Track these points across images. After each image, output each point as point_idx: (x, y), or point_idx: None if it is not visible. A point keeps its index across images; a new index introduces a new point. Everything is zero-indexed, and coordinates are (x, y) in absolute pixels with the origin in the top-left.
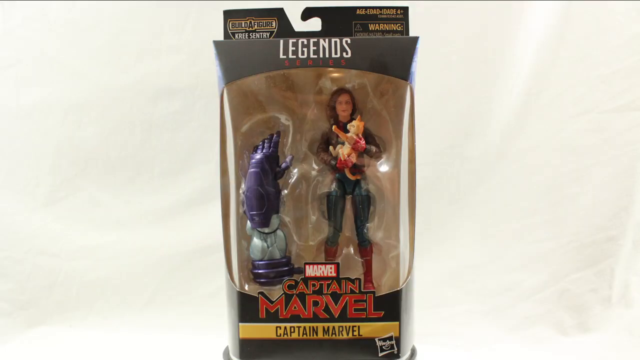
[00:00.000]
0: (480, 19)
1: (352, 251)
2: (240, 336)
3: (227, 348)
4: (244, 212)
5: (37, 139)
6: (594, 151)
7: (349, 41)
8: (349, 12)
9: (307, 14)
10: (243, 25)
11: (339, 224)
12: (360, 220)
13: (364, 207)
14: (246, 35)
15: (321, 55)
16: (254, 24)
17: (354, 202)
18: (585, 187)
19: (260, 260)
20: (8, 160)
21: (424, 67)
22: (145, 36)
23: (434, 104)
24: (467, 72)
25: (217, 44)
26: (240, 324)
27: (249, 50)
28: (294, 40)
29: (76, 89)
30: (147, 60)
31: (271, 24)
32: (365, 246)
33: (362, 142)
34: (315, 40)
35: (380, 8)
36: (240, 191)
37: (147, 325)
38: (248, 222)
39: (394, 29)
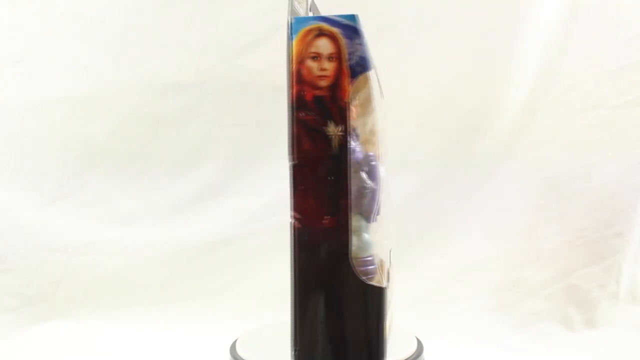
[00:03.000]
0: (488, 14)
1: None
2: None
3: (234, 343)
4: (363, 207)
5: (45, 134)
6: (601, 147)
7: None
8: None
9: None
10: None
11: None
12: None
13: None
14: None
15: None
16: None
17: None
18: (593, 183)
19: (368, 257)
20: (16, 155)
21: (432, 62)
22: (153, 31)
23: (442, 99)
24: (475, 67)
25: None
26: None
27: None
28: None
29: (84, 84)
30: (154, 55)
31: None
32: None
33: None
34: None
35: None
36: (365, 185)
37: (154, 321)
38: (360, 218)
39: None
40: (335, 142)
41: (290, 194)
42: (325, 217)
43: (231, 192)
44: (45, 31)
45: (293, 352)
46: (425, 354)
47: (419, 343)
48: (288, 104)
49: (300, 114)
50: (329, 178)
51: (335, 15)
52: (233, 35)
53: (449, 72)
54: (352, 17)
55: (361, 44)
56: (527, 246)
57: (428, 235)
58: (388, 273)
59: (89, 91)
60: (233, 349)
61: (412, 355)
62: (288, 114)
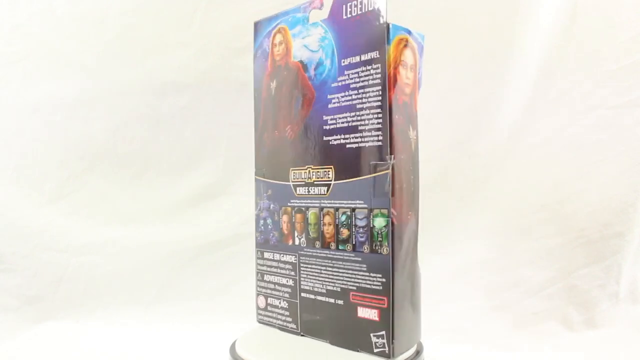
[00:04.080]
0: (489, 15)
1: None
2: None
3: (234, 343)
4: None
5: (45, 134)
6: (601, 147)
7: None
8: None
9: None
10: None
11: None
12: None
13: None
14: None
15: None
16: None
17: None
18: (593, 183)
19: None
20: (16, 155)
21: (433, 63)
22: (153, 32)
23: (443, 99)
24: (476, 68)
25: None
26: None
27: None
28: None
29: (84, 84)
30: (154, 55)
31: None
32: None
33: None
34: None
35: None
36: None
37: (154, 321)
38: None
39: None
40: (413, 145)
41: (387, 193)
42: (409, 212)
43: (231, 192)
44: (45, 31)
45: (390, 346)
46: (425, 354)
47: (419, 343)
48: (380, 105)
49: (396, 117)
50: (411, 177)
51: (414, 31)
52: (233, 35)
53: (449, 72)
54: (423, 37)
55: (422, 62)
56: (527, 246)
57: (428, 235)
58: None
59: (88, 91)
60: (233, 349)
61: (412, 355)
62: (381, 115)
